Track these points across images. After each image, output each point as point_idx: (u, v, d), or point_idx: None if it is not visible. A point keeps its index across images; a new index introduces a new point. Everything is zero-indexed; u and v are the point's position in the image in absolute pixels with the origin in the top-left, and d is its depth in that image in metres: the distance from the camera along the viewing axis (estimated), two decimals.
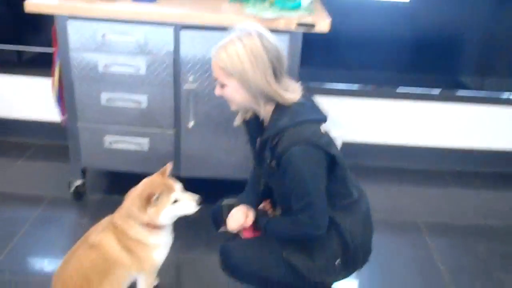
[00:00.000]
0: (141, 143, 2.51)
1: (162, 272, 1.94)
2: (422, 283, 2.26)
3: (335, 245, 1.67)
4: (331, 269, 1.68)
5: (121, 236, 1.80)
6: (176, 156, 2.53)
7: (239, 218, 1.77)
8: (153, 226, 1.80)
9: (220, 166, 2.54)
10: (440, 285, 2.25)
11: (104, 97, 2.42)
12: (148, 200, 1.72)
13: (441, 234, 2.62)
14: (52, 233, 2.47)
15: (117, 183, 2.89)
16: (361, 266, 1.78)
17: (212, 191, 2.79)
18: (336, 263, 1.67)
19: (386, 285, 2.22)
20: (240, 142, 2.47)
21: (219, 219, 1.89)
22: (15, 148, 3.21)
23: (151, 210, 1.74)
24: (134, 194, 1.80)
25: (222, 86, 1.63)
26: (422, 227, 2.66)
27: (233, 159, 2.52)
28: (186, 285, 2.20)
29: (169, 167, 1.86)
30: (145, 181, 1.83)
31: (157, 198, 1.73)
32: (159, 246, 1.86)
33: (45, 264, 2.27)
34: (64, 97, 2.49)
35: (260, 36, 1.57)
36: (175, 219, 1.84)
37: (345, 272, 1.72)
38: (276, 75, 1.59)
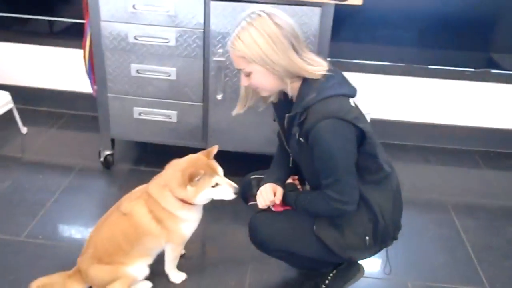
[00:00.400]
0: (169, 115, 2.53)
1: (188, 243, 1.97)
2: (450, 262, 2.24)
3: (366, 221, 1.66)
4: (361, 246, 1.68)
5: (153, 206, 1.83)
6: (204, 128, 2.55)
7: (268, 195, 1.77)
8: (187, 203, 1.82)
9: (247, 140, 2.55)
10: (468, 264, 2.23)
11: (134, 68, 2.44)
12: (190, 179, 1.73)
13: (469, 214, 2.58)
14: (82, 201, 2.53)
15: (145, 154, 2.93)
16: (391, 243, 1.77)
17: (239, 165, 2.83)
18: (366, 239, 1.67)
19: (414, 263, 2.21)
20: (267, 116, 2.45)
21: (248, 194, 1.90)
22: (47, 117, 3.28)
23: (190, 189, 1.76)
24: (177, 168, 1.80)
25: (248, 75, 1.63)
26: (450, 206, 2.63)
27: (260, 133, 2.52)
28: (211, 256, 2.23)
29: (215, 149, 1.86)
30: (190, 158, 1.84)
31: (199, 179, 1.74)
32: (188, 220, 1.88)
33: (75, 231, 2.34)
34: (94, 68, 2.52)
35: (270, 15, 1.55)
36: (209, 201, 1.85)
37: (374, 248, 1.72)
38: (297, 50, 1.57)
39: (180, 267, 2.02)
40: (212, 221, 2.41)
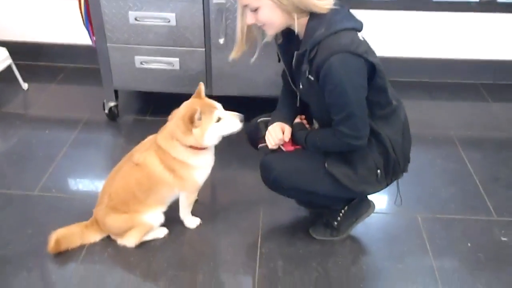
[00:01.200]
0: (171, 62, 2.50)
1: (200, 188, 2.00)
2: (458, 193, 2.27)
3: (376, 154, 1.67)
4: (372, 179, 1.70)
5: (164, 156, 1.83)
6: (207, 74, 2.52)
7: (277, 133, 1.78)
8: (197, 148, 1.82)
9: (252, 83, 2.52)
10: (476, 195, 2.27)
11: (132, 15, 2.37)
12: (191, 120, 1.72)
13: (476, 147, 2.60)
14: (90, 154, 2.54)
15: (149, 103, 2.92)
16: (401, 176, 1.79)
17: (244, 109, 2.81)
18: (378, 172, 1.69)
19: (422, 196, 2.25)
20: (270, 59, 2.41)
21: (257, 137, 1.90)
22: (46, 72, 3.24)
23: (196, 131, 1.75)
24: (177, 117, 1.80)
25: (255, 10, 1.59)
26: (456, 140, 2.64)
27: (264, 76, 2.49)
28: (223, 200, 2.27)
29: (201, 86, 1.84)
30: (185, 104, 1.84)
31: (200, 117, 1.73)
32: (200, 167, 1.89)
33: (87, 182, 2.37)
34: (91, 18, 2.46)
35: None
36: (219, 139, 1.84)
37: (386, 181, 1.74)
38: None
39: (193, 212, 2.05)
40: (221, 166, 2.42)
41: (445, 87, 3.16)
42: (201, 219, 2.08)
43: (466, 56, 3.17)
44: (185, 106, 1.82)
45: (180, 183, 1.88)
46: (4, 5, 3.19)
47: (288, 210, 2.16)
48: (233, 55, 1.82)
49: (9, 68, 2.92)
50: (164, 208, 1.97)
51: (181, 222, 2.05)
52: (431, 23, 3.07)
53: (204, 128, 1.75)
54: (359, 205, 1.95)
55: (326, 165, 1.69)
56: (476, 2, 3.01)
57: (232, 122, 1.80)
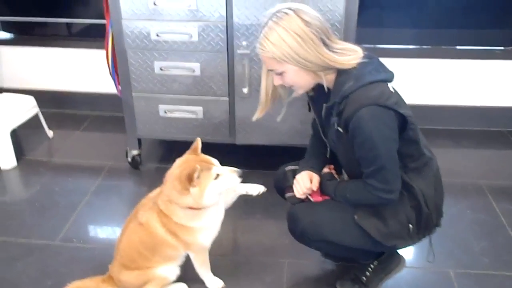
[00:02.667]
0: (195, 111, 2.51)
1: (221, 240, 1.94)
2: (492, 247, 2.17)
3: (408, 208, 1.62)
4: (404, 234, 1.64)
5: (166, 220, 1.74)
6: (231, 123, 2.51)
7: (305, 182, 1.74)
8: (197, 209, 1.71)
9: (276, 132, 2.50)
10: (510, 248, 2.16)
11: (158, 66, 2.41)
12: (190, 180, 1.61)
13: (507, 197, 2.51)
14: (113, 202, 2.53)
15: (172, 151, 2.89)
16: (434, 231, 1.72)
17: (269, 159, 2.79)
18: (410, 227, 1.62)
19: (454, 250, 2.15)
20: (295, 108, 2.40)
21: (284, 185, 1.86)
22: (71, 120, 3.29)
23: (194, 190, 1.63)
24: (172, 178, 1.69)
25: (280, 74, 1.60)
26: (486, 190, 2.56)
27: (289, 125, 2.47)
28: (245, 253, 2.20)
29: (198, 142, 1.76)
30: (179, 162, 1.73)
31: (198, 176, 1.62)
32: (204, 228, 1.78)
33: (108, 232, 2.34)
34: (118, 67, 2.50)
35: (297, 12, 1.52)
36: (218, 198, 1.73)
37: (418, 236, 1.67)
38: (327, 44, 1.54)
39: (213, 265, 1.99)
40: (244, 217, 2.39)
41: (472, 134, 3.10)
42: (221, 272, 2.00)
43: (493, 103, 3.12)
44: (180, 165, 1.70)
45: (185, 246, 1.80)
46: (32, 55, 3.29)
47: (314, 263, 2.09)
48: (258, 115, 1.82)
49: (35, 116, 2.97)
50: (178, 262, 1.89)
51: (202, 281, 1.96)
52: (456, 70, 3.05)
53: (203, 187, 1.63)
54: (389, 260, 1.87)
55: (356, 217, 1.63)
56: (500, 50, 3.00)
57: (230, 178, 1.70)
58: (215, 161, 1.72)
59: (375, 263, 1.86)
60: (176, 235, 1.76)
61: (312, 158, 1.84)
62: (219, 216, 1.82)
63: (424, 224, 1.64)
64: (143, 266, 1.83)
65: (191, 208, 1.70)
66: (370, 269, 1.86)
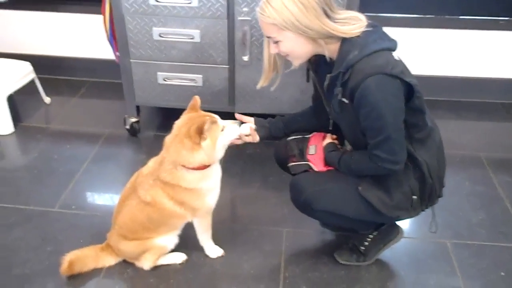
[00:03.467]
0: (195, 79, 2.47)
1: (220, 209, 1.94)
2: (489, 219, 2.19)
3: (413, 180, 1.61)
4: (408, 205, 1.64)
5: (172, 191, 1.73)
6: (231, 91, 2.48)
7: (245, 129, 1.79)
8: (205, 166, 1.70)
9: (276, 101, 2.48)
10: (508, 220, 2.18)
11: (156, 32, 2.36)
12: (200, 132, 1.60)
13: (506, 169, 2.51)
14: (111, 170, 2.52)
15: (171, 119, 2.84)
16: (437, 201, 1.72)
17: None
18: (413, 198, 1.62)
19: (451, 221, 2.16)
20: (295, 77, 2.37)
21: (286, 155, 1.84)
22: (68, 86, 3.25)
23: (206, 143, 1.63)
24: (178, 139, 1.66)
25: (277, 42, 1.56)
26: (485, 161, 2.56)
27: (288, 94, 2.45)
28: (244, 222, 2.21)
29: (197, 99, 1.75)
30: (181, 121, 1.71)
31: (208, 129, 1.62)
32: (211, 189, 1.79)
33: (107, 199, 2.34)
34: (116, 33, 2.45)
35: None
36: (225, 149, 1.74)
37: (421, 207, 1.68)
38: (329, 15, 1.51)
39: (214, 233, 2.00)
40: (242, 186, 2.39)
41: (473, 106, 3.08)
42: (221, 240, 2.02)
43: (495, 75, 3.09)
44: (184, 124, 1.68)
45: (193, 212, 1.81)
46: (28, 19, 3.22)
47: (313, 232, 2.10)
48: (261, 83, 1.79)
49: (32, 82, 2.93)
50: (178, 231, 1.90)
51: (201, 248, 1.97)
52: (458, 41, 3.00)
53: (214, 138, 1.65)
54: (388, 231, 1.88)
55: (359, 188, 1.63)
56: (505, 20, 2.94)
57: (233, 129, 1.74)
58: (216, 116, 1.73)
59: (374, 233, 1.87)
60: (184, 204, 1.76)
61: (291, 121, 1.88)
62: (220, 174, 1.83)
63: (427, 195, 1.64)
64: (143, 237, 1.83)
65: (199, 168, 1.68)
66: (368, 239, 1.88)
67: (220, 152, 1.72)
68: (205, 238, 1.94)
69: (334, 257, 1.94)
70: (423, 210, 1.71)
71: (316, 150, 1.77)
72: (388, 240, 1.89)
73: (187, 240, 1.93)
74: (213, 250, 1.97)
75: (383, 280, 1.88)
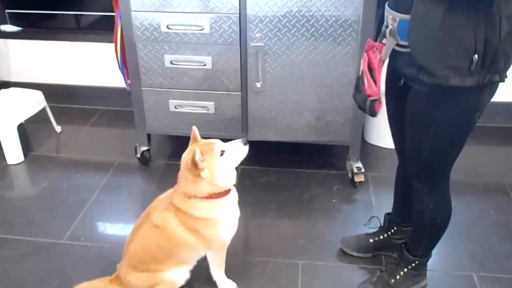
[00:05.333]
0: (206, 106, 2.43)
1: (233, 238, 1.85)
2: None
3: (481, 36, 1.32)
4: (465, 66, 1.34)
5: (184, 218, 1.67)
6: (244, 119, 2.43)
7: None
8: (218, 196, 1.66)
9: (290, 128, 2.42)
10: None
11: (168, 59, 2.33)
12: (194, 163, 1.57)
13: None
14: (121, 200, 2.46)
15: (182, 147, 2.79)
16: (498, 78, 1.40)
17: (283, 156, 2.71)
18: (474, 58, 1.33)
19: (476, 253, 2.05)
20: (309, 102, 2.33)
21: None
22: (80, 114, 3.23)
23: (204, 173, 1.59)
24: (182, 170, 1.67)
25: None
26: (509, 189, 2.45)
27: (303, 120, 2.39)
28: (259, 253, 2.12)
29: (194, 130, 1.72)
30: (185, 153, 1.70)
31: (202, 158, 1.58)
32: (225, 221, 1.71)
33: (117, 230, 2.27)
34: (127, 61, 2.43)
35: None
36: (233, 173, 1.67)
37: (478, 76, 1.36)
38: None
39: (226, 265, 1.91)
40: (256, 216, 2.31)
41: (492, 131, 2.99)
42: (235, 272, 1.93)
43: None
44: (183, 158, 1.68)
45: (205, 243, 1.72)
46: (39, 49, 3.23)
47: (330, 265, 2.01)
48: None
49: (43, 110, 2.91)
50: (189, 266, 1.81)
51: (213, 283, 1.88)
52: None
53: (212, 166, 1.60)
54: (422, 269, 1.82)
55: None
56: None
57: (237, 149, 1.66)
58: (216, 140, 1.68)
59: (409, 267, 1.79)
60: (197, 232, 1.68)
61: None
62: (237, 210, 1.76)
63: (490, 61, 1.35)
64: (153, 269, 1.75)
65: (211, 197, 1.65)
66: (402, 273, 1.79)
67: (225, 177, 1.64)
68: (218, 272, 1.86)
69: None
70: (479, 83, 1.37)
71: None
72: (418, 281, 1.82)
73: (199, 273, 1.85)
74: (226, 285, 1.88)
75: None
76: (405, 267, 1.80)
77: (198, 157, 1.57)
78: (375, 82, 1.52)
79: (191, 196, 1.65)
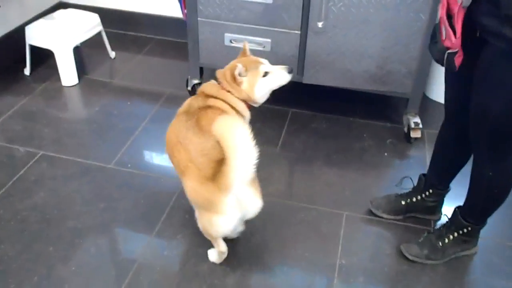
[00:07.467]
0: (263, 43, 2.32)
1: (279, 183, 1.81)
2: None
3: None
4: None
5: (227, 103, 1.72)
6: (300, 60, 2.31)
7: None
8: (249, 106, 1.75)
9: (348, 74, 2.29)
10: None
11: None
12: (232, 76, 1.68)
13: None
14: None
15: None
16: None
17: (338, 103, 2.60)
18: None
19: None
20: (371, 47, 2.18)
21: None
22: (134, 42, 3.20)
23: (245, 86, 1.70)
24: (224, 71, 1.75)
25: None
26: None
27: (363, 67, 2.25)
28: (303, 199, 2.07)
29: (246, 45, 1.83)
30: (231, 62, 1.78)
31: (242, 73, 1.68)
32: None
33: (162, 160, 2.27)
34: None
35: None
36: (269, 93, 1.77)
37: None
38: None
39: (268, 209, 1.88)
40: (302, 162, 2.25)
41: None
42: (277, 216, 1.92)
43: None
44: (232, 63, 1.77)
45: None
46: None
47: (376, 219, 1.94)
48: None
49: (99, 35, 2.89)
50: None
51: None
52: None
53: (252, 83, 1.71)
54: (471, 236, 1.73)
55: None
56: None
57: (280, 75, 1.75)
58: (264, 60, 1.77)
59: (460, 232, 1.71)
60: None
61: None
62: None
63: None
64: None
65: (243, 101, 1.73)
66: (451, 237, 1.72)
67: (262, 95, 1.74)
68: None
69: (400, 250, 1.78)
70: None
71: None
72: (468, 248, 1.74)
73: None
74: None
75: (450, 283, 1.71)
76: (456, 231, 1.71)
77: (237, 72, 1.67)
78: (454, 32, 1.37)
79: (227, 90, 1.72)
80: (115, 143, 2.31)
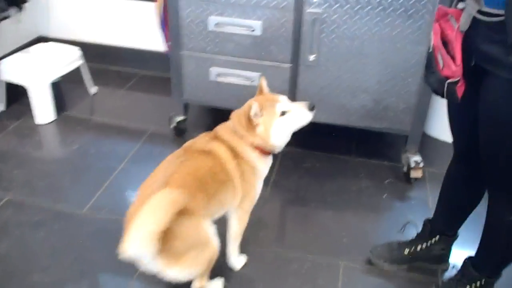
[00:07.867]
0: (251, 78, 2.18)
1: (270, 228, 1.64)
2: None
3: None
4: None
5: (234, 153, 1.54)
6: (291, 95, 2.17)
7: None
8: (263, 151, 1.55)
9: (343, 111, 2.15)
10: None
11: (213, 21, 2.09)
12: (248, 118, 1.49)
13: None
14: (151, 171, 2.27)
15: (221, 121, 2.62)
16: None
17: (333, 140, 2.45)
18: None
19: None
20: (366, 82, 2.05)
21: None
22: (117, 77, 3.07)
23: (260, 129, 1.51)
24: (240, 114, 1.56)
25: None
26: None
27: (358, 103, 2.11)
28: (295, 246, 1.89)
29: (262, 81, 1.61)
30: (248, 101, 1.57)
31: (259, 114, 1.49)
32: (262, 177, 1.62)
33: None
34: (168, 21, 2.21)
35: None
36: (289, 135, 1.57)
37: None
38: None
39: (260, 258, 1.70)
40: (295, 205, 2.09)
41: None
42: (269, 267, 1.73)
43: None
44: (247, 104, 1.56)
45: (244, 189, 1.57)
46: (81, 5, 3.06)
47: (375, 269, 1.76)
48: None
49: (79, 69, 2.75)
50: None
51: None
52: None
53: (268, 124, 1.51)
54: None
55: None
56: None
57: (299, 113, 1.54)
58: (283, 98, 1.57)
59: (472, 285, 1.52)
60: (243, 174, 1.55)
61: None
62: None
63: None
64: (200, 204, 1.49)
65: (256, 148, 1.55)
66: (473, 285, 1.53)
67: (280, 138, 1.55)
68: (235, 245, 1.70)
69: None
70: None
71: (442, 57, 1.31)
72: None
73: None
74: (238, 260, 1.73)
75: None
76: (468, 285, 1.53)
77: (253, 112, 1.48)
78: (453, 59, 1.22)
79: (239, 136, 1.55)
80: (90, 185, 2.13)
